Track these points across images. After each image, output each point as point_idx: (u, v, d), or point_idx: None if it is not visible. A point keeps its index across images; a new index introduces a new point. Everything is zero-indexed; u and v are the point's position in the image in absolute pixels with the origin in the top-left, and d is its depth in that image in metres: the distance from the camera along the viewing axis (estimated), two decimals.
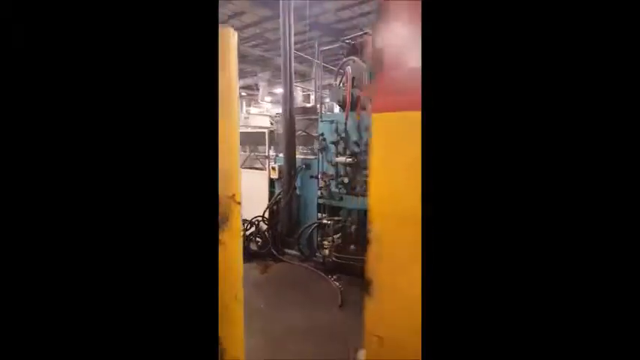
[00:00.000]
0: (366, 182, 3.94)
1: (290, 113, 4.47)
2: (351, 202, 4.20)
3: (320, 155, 4.40)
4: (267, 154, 5.15)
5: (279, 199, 4.83)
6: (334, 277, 4.32)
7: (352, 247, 4.28)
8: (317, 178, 4.41)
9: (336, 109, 4.96)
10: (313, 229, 4.56)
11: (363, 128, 3.93)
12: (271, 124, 6.78)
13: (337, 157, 4.13)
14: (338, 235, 4.26)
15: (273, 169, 4.94)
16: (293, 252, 4.84)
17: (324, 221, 4.28)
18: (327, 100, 4.73)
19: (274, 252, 4.68)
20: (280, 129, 4.82)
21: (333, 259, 4.20)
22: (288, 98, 4.47)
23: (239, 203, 1.59)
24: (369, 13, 8.14)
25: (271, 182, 5.12)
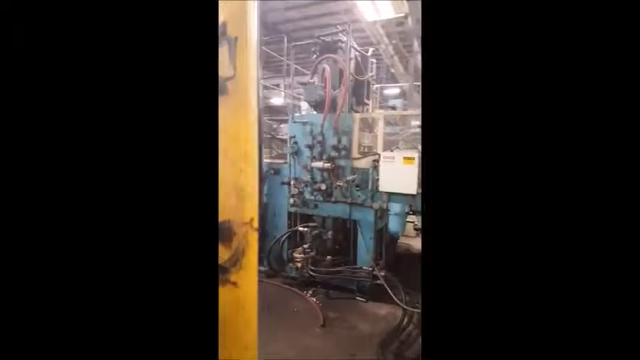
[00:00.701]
0: (343, 188, 3.73)
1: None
2: (327, 210, 3.92)
3: (292, 160, 4.03)
4: None
5: None
6: (309, 292, 3.99)
7: (328, 257, 4.00)
8: (288, 184, 4.04)
9: (305, 108, 4.65)
10: (284, 241, 4.16)
11: (341, 131, 3.68)
12: None
13: (313, 161, 3.81)
14: (308, 245, 3.93)
15: None
16: (259, 268, 4.36)
17: (300, 228, 3.91)
18: (302, 99, 4.37)
19: None
20: None
21: (310, 273, 3.86)
22: None
23: (257, 230, 1.19)
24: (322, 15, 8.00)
25: None
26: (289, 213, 4.17)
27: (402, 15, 5.16)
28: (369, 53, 4.10)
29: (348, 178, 3.61)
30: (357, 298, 3.79)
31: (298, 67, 4.98)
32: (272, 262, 4.29)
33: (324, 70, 3.61)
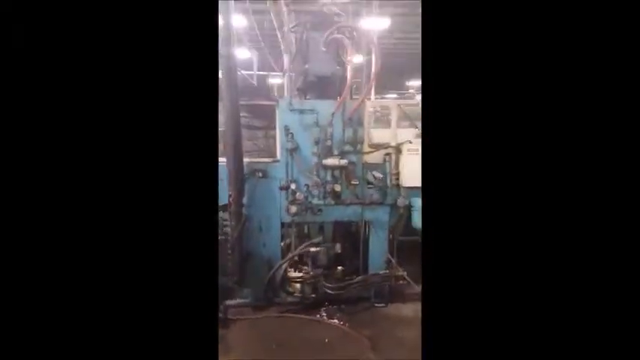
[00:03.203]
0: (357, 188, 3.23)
1: (233, 94, 2.91)
2: (334, 214, 3.33)
3: (289, 158, 3.18)
4: None
5: None
6: (323, 314, 3.34)
7: (339, 268, 3.45)
8: (286, 189, 3.19)
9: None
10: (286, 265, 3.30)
11: (356, 121, 3.14)
12: None
13: (324, 159, 3.11)
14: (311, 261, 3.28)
15: None
16: (239, 301, 3.34)
17: (312, 249, 3.18)
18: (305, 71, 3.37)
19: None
20: None
21: (328, 291, 3.22)
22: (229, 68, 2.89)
23: None
24: None
25: None
26: (282, 224, 3.33)
27: None
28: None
29: (378, 174, 3.14)
30: (376, 305, 3.46)
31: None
32: (259, 291, 3.36)
33: (340, 40, 2.93)
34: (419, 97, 5.63)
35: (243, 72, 5.75)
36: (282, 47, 4.13)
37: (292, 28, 3.65)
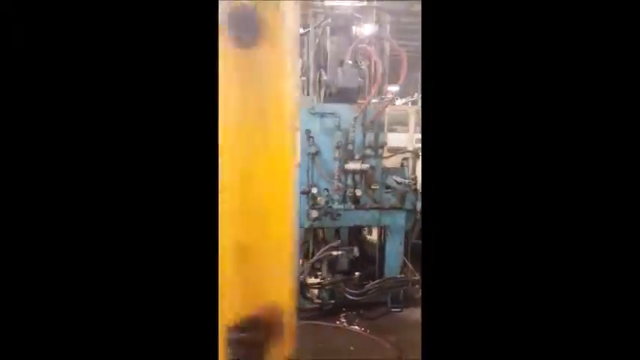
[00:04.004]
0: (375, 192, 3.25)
1: None
2: (353, 219, 3.32)
3: (310, 162, 3.15)
4: None
5: None
6: (342, 321, 3.29)
7: (357, 274, 3.43)
8: (307, 193, 3.15)
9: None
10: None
11: (377, 126, 3.17)
12: None
13: (346, 162, 3.11)
14: (326, 266, 3.25)
15: None
16: None
17: (334, 253, 3.14)
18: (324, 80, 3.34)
19: None
20: None
21: (349, 296, 3.19)
22: None
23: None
24: None
25: None
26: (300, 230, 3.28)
27: None
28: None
29: (402, 180, 3.17)
30: (392, 309, 3.46)
31: None
32: None
33: (366, 50, 2.96)
34: (399, 102, 5.81)
35: None
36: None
37: (306, 31, 3.67)
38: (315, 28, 3.30)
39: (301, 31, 3.75)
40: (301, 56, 3.78)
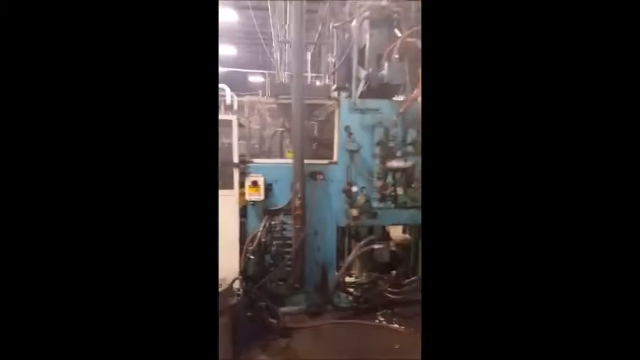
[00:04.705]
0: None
1: (300, 92, 2.77)
2: (391, 218, 3.25)
3: (349, 160, 3.06)
4: (235, 160, 2.96)
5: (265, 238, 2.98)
6: (382, 319, 3.25)
7: (393, 272, 3.37)
8: (348, 192, 3.06)
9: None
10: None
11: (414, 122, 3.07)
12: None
13: (387, 160, 3.03)
14: (360, 265, 3.18)
15: (254, 185, 2.95)
16: (293, 308, 3.19)
17: (376, 246, 3.08)
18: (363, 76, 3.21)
19: (273, 320, 2.88)
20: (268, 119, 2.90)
21: (389, 295, 3.14)
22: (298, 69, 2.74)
23: None
24: None
25: (242, 209, 3.04)
26: (338, 229, 3.21)
27: None
28: None
29: None
30: None
31: None
32: (315, 297, 3.22)
33: (413, 45, 2.86)
34: None
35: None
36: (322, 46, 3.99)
37: (339, 24, 3.55)
38: (353, 22, 3.18)
39: (336, 24, 3.63)
40: (338, 50, 3.67)
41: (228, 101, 3.06)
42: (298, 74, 2.75)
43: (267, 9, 5.97)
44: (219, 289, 2.41)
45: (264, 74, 9.63)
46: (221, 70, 12.14)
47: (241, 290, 2.65)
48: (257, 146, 3.57)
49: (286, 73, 5.52)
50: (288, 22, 5.24)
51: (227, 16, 8.15)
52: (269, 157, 3.21)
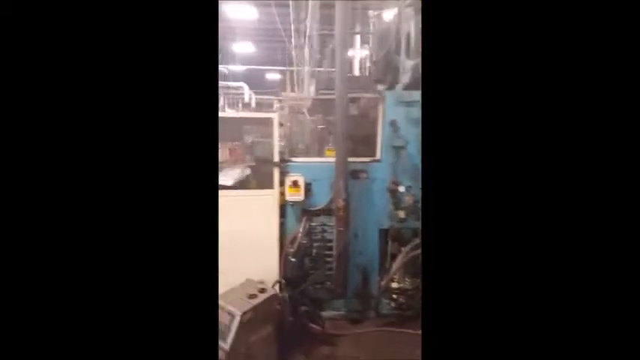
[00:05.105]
0: None
1: (344, 87, 2.58)
2: None
3: (395, 157, 2.86)
4: (275, 159, 2.81)
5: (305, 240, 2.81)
6: None
7: None
8: (394, 192, 2.87)
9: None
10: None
11: None
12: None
13: None
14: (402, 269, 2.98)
15: (295, 185, 2.78)
16: (333, 314, 3.02)
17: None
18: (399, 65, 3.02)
19: (315, 325, 2.71)
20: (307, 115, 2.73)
21: None
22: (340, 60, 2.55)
23: None
24: None
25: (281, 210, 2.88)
26: (380, 232, 3.01)
27: None
28: None
29: None
30: None
31: None
32: (357, 303, 3.04)
33: None
34: None
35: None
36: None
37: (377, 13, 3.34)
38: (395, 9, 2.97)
39: (374, 13, 3.43)
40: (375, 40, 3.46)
41: (246, 99, 2.93)
42: (342, 68, 2.56)
43: (289, 5, 5.80)
44: (263, 294, 2.27)
45: (283, 72, 9.49)
46: (240, 68, 12.12)
47: (286, 295, 2.50)
48: (300, 145, 3.41)
49: (312, 69, 5.35)
50: (307, 17, 5.06)
51: (246, 13, 8.05)
52: (306, 155, 3.04)
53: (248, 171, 2.98)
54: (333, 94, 2.70)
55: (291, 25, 6.21)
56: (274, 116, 2.76)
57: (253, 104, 10.66)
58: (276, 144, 2.76)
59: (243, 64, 12.05)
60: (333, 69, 2.84)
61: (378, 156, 2.96)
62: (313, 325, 2.70)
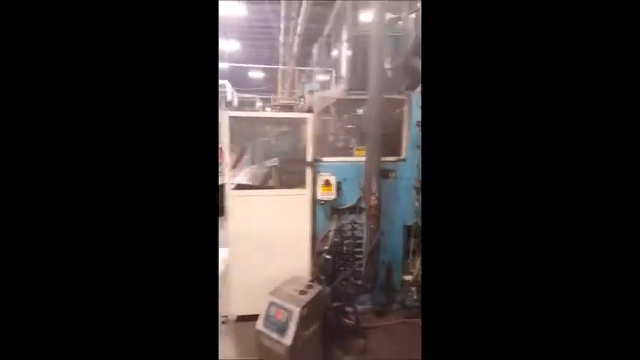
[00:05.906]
0: None
1: (378, 88, 2.68)
2: None
3: (419, 156, 3.00)
4: (308, 159, 2.85)
5: (341, 238, 2.89)
6: None
7: None
8: (419, 189, 3.00)
9: None
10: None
11: None
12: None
13: None
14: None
15: (327, 184, 2.85)
16: (360, 307, 3.12)
17: None
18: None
19: (348, 320, 2.80)
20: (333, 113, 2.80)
21: None
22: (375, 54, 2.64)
23: None
24: None
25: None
26: (405, 228, 3.14)
27: None
28: None
29: None
30: None
31: None
32: (382, 296, 3.16)
33: None
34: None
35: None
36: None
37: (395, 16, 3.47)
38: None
39: (391, 16, 3.55)
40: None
41: (228, 98, 2.95)
42: (377, 68, 2.66)
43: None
44: (312, 290, 2.31)
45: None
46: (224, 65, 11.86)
47: (329, 292, 2.56)
48: (337, 144, 3.46)
49: (321, 69, 5.38)
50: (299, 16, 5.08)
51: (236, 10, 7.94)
52: (334, 154, 3.11)
53: (274, 170, 3.02)
54: (364, 94, 2.79)
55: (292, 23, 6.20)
56: (309, 116, 2.81)
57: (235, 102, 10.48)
58: (310, 144, 2.81)
59: (230, 61, 11.87)
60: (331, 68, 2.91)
61: (403, 155, 3.09)
62: (347, 320, 2.78)
